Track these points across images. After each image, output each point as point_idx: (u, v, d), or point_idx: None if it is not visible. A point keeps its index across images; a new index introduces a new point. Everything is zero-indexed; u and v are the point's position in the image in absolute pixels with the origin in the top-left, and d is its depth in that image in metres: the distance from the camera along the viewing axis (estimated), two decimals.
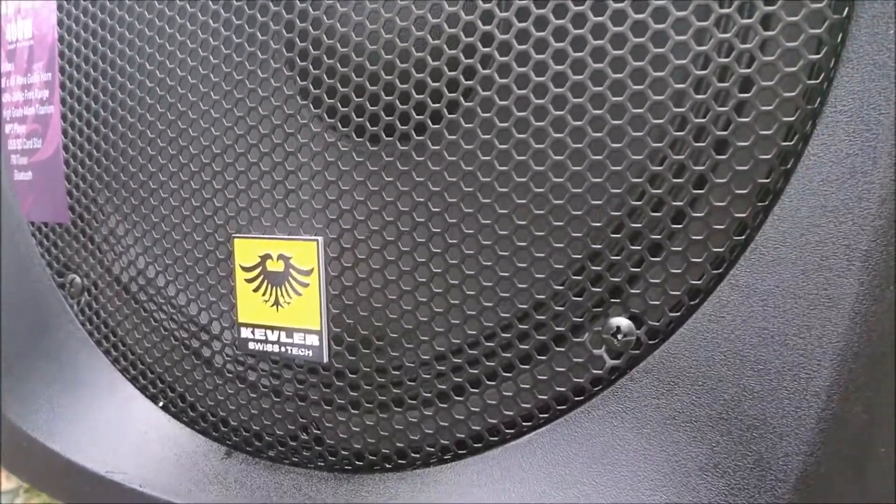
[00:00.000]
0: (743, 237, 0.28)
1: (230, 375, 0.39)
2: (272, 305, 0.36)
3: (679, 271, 0.29)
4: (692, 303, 0.29)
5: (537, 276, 0.31)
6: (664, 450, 0.29)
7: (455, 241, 0.32)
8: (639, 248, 0.29)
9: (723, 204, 0.28)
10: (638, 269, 0.29)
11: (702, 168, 0.28)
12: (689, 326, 0.29)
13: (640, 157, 0.28)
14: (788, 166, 0.27)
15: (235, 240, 0.37)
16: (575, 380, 0.31)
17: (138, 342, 0.42)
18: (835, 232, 0.26)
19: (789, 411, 0.27)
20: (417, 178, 0.32)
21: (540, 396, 0.32)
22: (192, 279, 0.39)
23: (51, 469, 0.43)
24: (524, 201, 0.30)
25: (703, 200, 0.28)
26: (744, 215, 0.28)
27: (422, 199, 0.32)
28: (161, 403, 0.42)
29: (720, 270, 0.28)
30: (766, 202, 0.28)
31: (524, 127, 0.30)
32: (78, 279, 0.45)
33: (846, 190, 0.26)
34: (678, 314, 0.29)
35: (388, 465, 0.35)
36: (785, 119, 0.26)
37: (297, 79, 0.35)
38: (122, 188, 0.41)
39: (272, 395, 0.38)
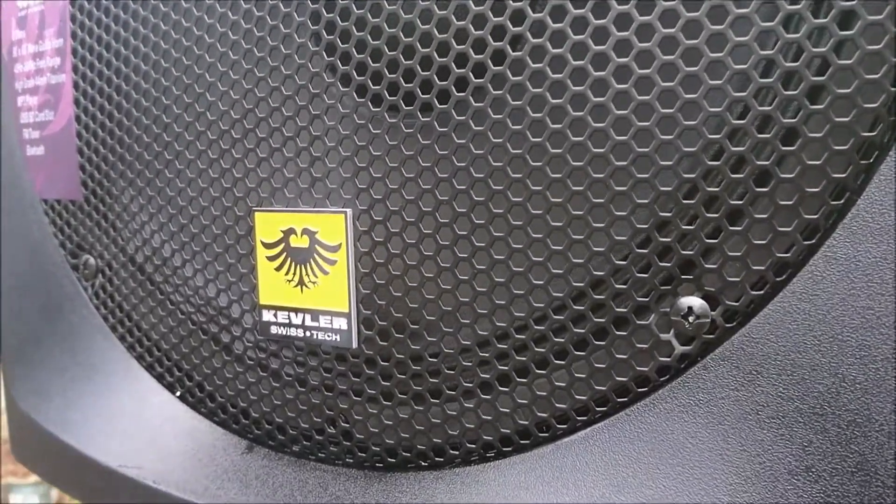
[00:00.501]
0: (841, 201, 0.24)
1: (251, 363, 0.36)
2: (296, 286, 0.33)
3: (763, 242, 0.25)
4: (778, 279, 0.25)
5: (595, 249, 0.27)
6: (745, 449, 0.25)
7: (500, 211, 0.28)
8: (715, 215, 0.25)
9: (817, 162, 0.24)
10: (714, 241, 0.25)
11: (792, 120, 0.24)
12: (774, 306, 0.25)
13: (719, 110, 0.24)
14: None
15: (256, 213, 0.34)
16: (638, 368, 0.27)
17: (154, 327, 0.39)
18: None
19: None
20: (458, 141, 0.29)
21: (597, 387, 0.28)
22: (210, 258, 0.36)
23: (62, 462, 0.40)
24: (580, 163, 0.27)
25: (792, 159, 0.24)
26: (843, 175, 0.24)
27: (462, 165, 0.29)
28: (178, 393, 0.39)
29: (813, 241, 0.24)
30: (871, 160, 0.23)
31: (581, 78, 0.26)
32: (92, 260, 0.42)
33: None
34: (761, 292, 0.25)
35: (423, 463, 0.32)
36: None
37: (323, 33, 0.31)
38: (137, 160, 0.38)
39: (296, 384, 0.35)
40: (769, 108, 0.24)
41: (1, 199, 0.47)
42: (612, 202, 0.26)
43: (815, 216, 0.24)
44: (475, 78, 0.28)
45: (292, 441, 0.35)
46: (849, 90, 0.23)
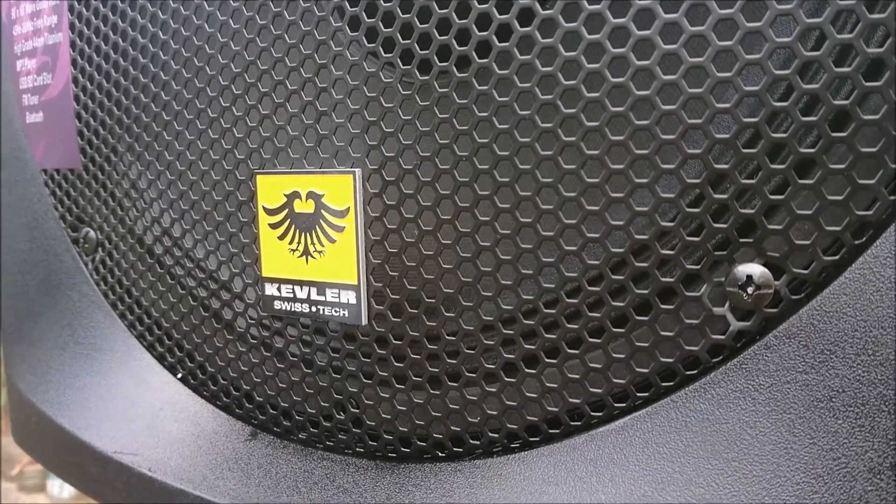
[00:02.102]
0: None
1: (254, 342, 0.33)
2: (301, 256, 0.30)
3: (839, 198, 0.21)
4: (857, 241, 0.21)
5: (637, 209, 0.23)
6: (815, 442, 0.21)
7: (527, 167, 0.25)
8: (782, 166, 0.21)
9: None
10: (779, 197, 0.22)
11: (879, 49, 0.20)
12: (852, 274, 0.21)
13: (788, 40, 0.21)
14: None
15: (258, 176, 0.31)
16: (687, 348, 0.24)
17: (155, 304, 0.37)
18: None
19: None
20: (479, 87, 0.25)
21: (638, 370, 0.24)
22: (211, 227, 0.33)
23: (58, 446, 0.37)
24: (620, 109, 0.23)
25: (876, 97, 0.20)
26: None
27: (484, 115, 0.25)
28: (179, 375, 0.36)
29: None
30: None
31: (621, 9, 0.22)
32: (92, 233, 0.39)
33: None
34: (836, 258, 0.21)
35: (441, 454, 0.29)
36: None
37: None
38: (135, 122, 0.35)
39: (302, 365, 0.31)
40: (849, 35, 0.20)
41: (1, 172, 0.44)
42: (657, 154, 0.23)
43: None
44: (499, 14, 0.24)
45: (298, 428, 0.32)
46: None
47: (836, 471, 0.21)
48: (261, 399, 0.33)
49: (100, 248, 0.39)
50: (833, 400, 0.21)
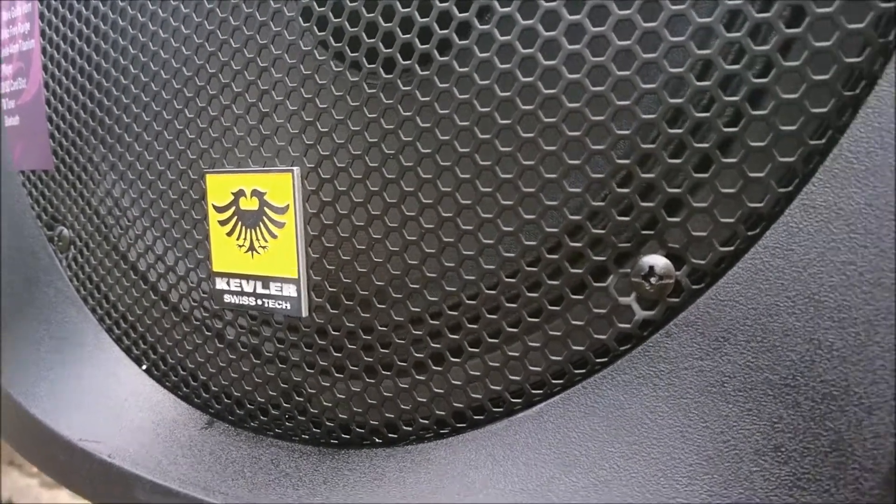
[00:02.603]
0: (822, 141, 0.21)
1: (209, 334, 0.34)
2: (247, 251, 0.31)
3: (733, 191, 0.22)
4: (751, 233, 0.22)
5: (547, 203, 0.24)
6: (709, 426, 0.22)
7: (448, 164, 0.26)
8: (678, 161, 0.22)
9: (794, 96, 0.21)
10: (678, 191, 0.22)
11: (766, 48, 0.21)
12: (745, 264, 0.22)
13: (682, 39, 0.21)
14: (890, 37, 0.20)
15: (207, 176, 0.32)
16: (596, 336, 0.24)
17: (121, 298, 0.38)
18: None
19: (882, 376, 0.19)
20: (403, 88, 0.26)
21: (553, 358, 0.25)
22: (168, 224, 0.35)
23: (33, 435, 0.39)
24: (530, 107, 0.24)
25: (767, 95, 0.21)
26: (824, 111, 0.20)
27: (408, 113, 0.26)
28: (144, 366, 0.38)
29: (789, 188, 0.21)
30: (857, 90, 0.20)
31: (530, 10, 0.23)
32: (66, 231, 0.41)
33: None
34: (731, 249, 0.22)
35: (378, 440, 0.30)
36: None
37: None
38: (99, 125, 0.37)
39: (252, 356, 0.33)
40: (739, 33, 0.21)
41: None
42: (564, 149, 0.24)
43: (792, 159, 0.21)
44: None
45: (250, 416, 0.33)
46: (830, 9, 0.20)
47: (725, 453, 0.22)
48: (216, 389, 0.34)
49: (72, 246, 0.41)
50: (725, 385, 0.22)
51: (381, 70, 0.27)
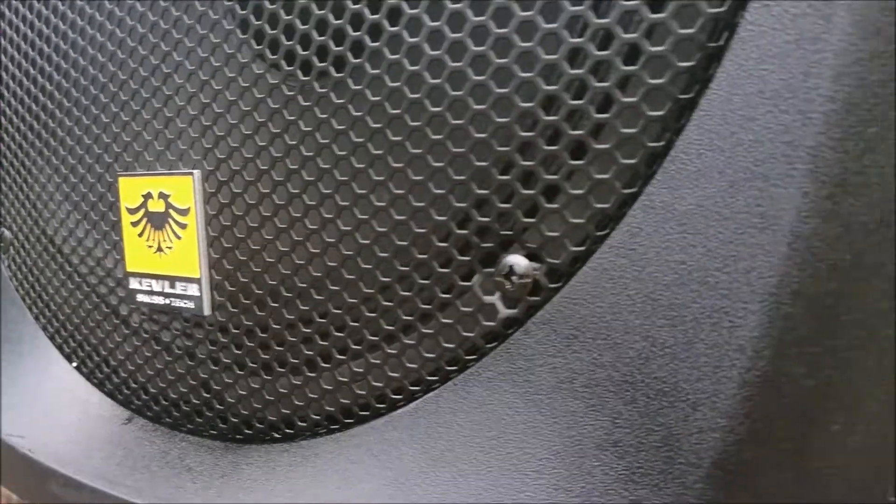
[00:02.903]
0: (661, 143, 0.21)
1: (128, 331, 0.35)
2: (156, 252, 0.32)
3: (581, 192, 0.22)
4: (600, 233, 0.22)
5: (415, 204, 0.25)
6: (557, 421, 0.23)
7: (327, 167, 0.26)
8: (531, 163, 0.23)
9: (633, 100, 0.21)
10: (531, 192, 0.23)
11: (604, 53, 0.21)
12: (593, 264, 0.22)
13: (529, 45, 0.22)
14: (720, 41, 0.20)
15: (120, 178, 0.33)
16: (465, 334, 0.25)
17: (53, 296, 0.39)
18: (773, 124, 0.19)
19: (706, 372, 0.20)
20: (287, 93, 0.27)
21: (427, 355, 0.26)
22: (90, 225, 0.36)
23: None
24: (397, 111, 0.24)
25: (611, 99, 0.21)
26: (660, 113, 0.21)
27: (293, 117, 0.27)
28: (75, 363, 0.39)
29: (634, 189, 0.22)
30: (692, 94, 0.21)
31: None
32: (7, 233, 0.42)
33: (790, 65, 0.19)
34: (583, 248, 0.23)
35: (276, 435, 0.30)
36: None
37: None
38: (29, 129, 0.38)
39: (165, 352, 0.34)
40: (580, 39, 0.21)
41: None
42: (430, 152, 0.24)
43: (634, 161, 0.21)
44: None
45: (166, 412, 0.34)
46: (663, 15, 0.20)
47: (570, 447, 0.22)
48: (136, 385, 0.35)
49: (12, 246, 0.42)
50: (573, 381, 0.23)
51: (283, 62, 0.27)
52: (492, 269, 0.24)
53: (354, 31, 0.25)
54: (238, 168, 0.29)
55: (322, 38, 0.26)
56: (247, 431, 0.31)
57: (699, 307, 0.20)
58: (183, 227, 0.31)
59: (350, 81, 0.25)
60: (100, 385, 0.37)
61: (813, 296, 0.19)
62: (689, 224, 0.21)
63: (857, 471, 0.20)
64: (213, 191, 0.30)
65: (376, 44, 0.25)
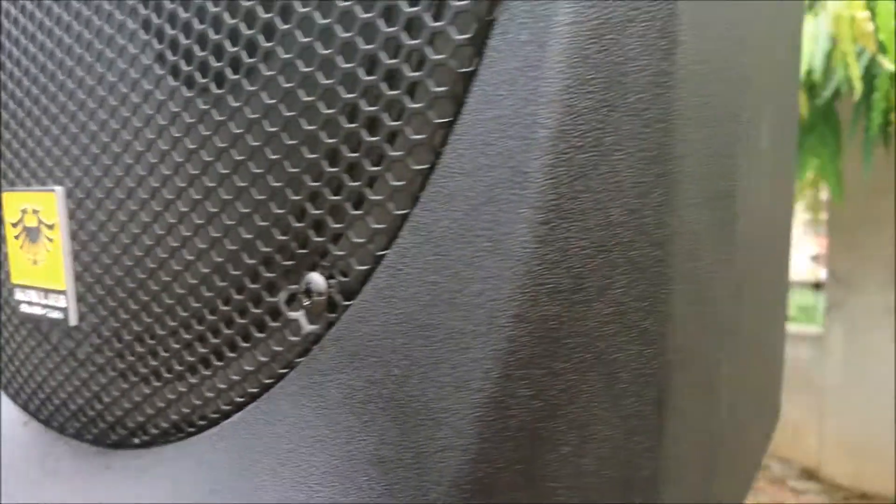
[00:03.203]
0: (427, 166, 0.21)
1: (24, 333, 0.37)
2: (33, 264, 0.34)
3: (360, 213, 0.23)
4: (380, 253, 0.23)
5: (227, 223, 0.26)
6: (338, 436, 0.23)
7: (157, 185, 0.28)
8: (317, 184, 0.23)
9: (398, 123, 0.21)
10: (320, 212, 0.24)
11: (371, 79, 0.22)
12: (372, 282, 0.23)
13: (331, 82, 0.23)
14: (472, 67, 0.20)
15: (3, 193, 0.34)
16: (275, 349, 0.26)
17: None
18: (503, 150, 0.19)
19: (449, 392, 0.20)
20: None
21: (246, 368, 0.27)
22: None
23: None
24: (210, 133, 0.25)
25: (379, 125, 0.22)
26: (423, 136, 0.21)
27: (139, 126, 0.28)
28: None
29: (405, 211, 0.22)
30: (450, 117, 0.21)
31: None
32: None
33: (516, 92, 0.19)
34: (367, 267, 0.23)
35: (137, 441, 0.32)
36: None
37: None
38: None
39: (50, 356, 0.35)
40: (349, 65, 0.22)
41: None
42: (236, 173, 0.25)
43: (403, 182, 0.22)
44: None
45: (52, 415, 0.36)
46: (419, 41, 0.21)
47: (346, 462, 0.23)
48: (31, 388, 0.37)
49: None
50: (354, 398, 0.23)
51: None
52: (296, 286, 0.25)
53: None
54: (92, 184, 0.30)
55: None
56: (114, 437, 0.33)
57: (446, 328, 0.21)
58: (51, 240, 0.32)
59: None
60: (5, 387, 0.39)
61: (535, 319, 0.19)
62: (442, 246, 0.21)
63: (592, 492, 0.20)
64: (76, 206, 0.31)
65: None
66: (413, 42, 0.21)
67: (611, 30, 0.18)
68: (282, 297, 0.25)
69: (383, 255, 0.23)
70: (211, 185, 0.26)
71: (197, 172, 0.26)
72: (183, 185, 0.27)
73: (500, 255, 0.19)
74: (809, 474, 2.80)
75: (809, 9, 1.43)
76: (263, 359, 0.26)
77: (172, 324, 0.29)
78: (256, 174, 0.25)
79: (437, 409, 0.20)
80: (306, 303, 0.25)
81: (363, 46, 0.21)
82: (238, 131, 0.25)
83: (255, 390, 0.27)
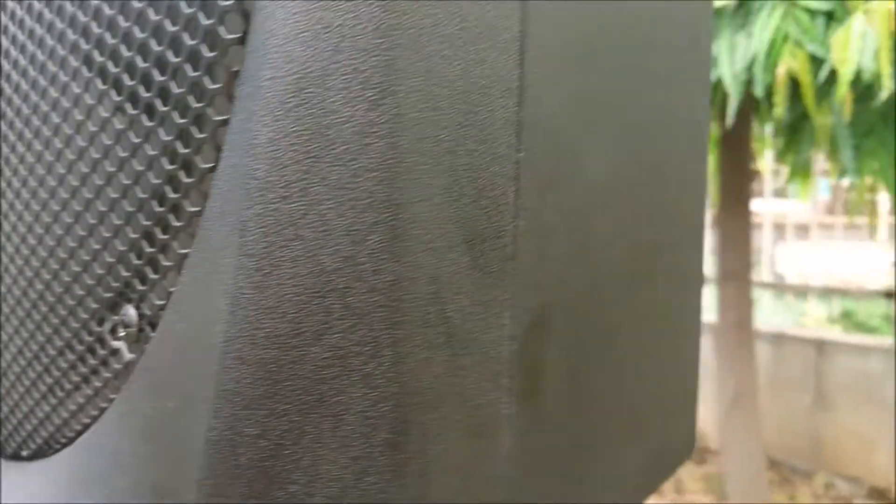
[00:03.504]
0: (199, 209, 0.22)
1: None
2: None
3: (153, 250, 0.24)
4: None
5: (62, 256, 0.27)
6: (138, 465, 0.24)
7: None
8: (121, 222, 0.25)
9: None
10: (126, 249, 0.25)
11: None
12: (164, 317, 0.24)
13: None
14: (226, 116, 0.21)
15: None
16: (105, 375, 0.27)
17: None
18: (233, 197, 0.20)
19: (195, 428, 0.21)
20: None
21: (87, 393, 0.28)
22: None
23: None
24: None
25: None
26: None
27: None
28: None
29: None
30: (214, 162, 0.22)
31: None
32: None
33: (242, 141, 0.20)
34: (164, 302, 0.24)
35: (23, 454, 0.34)
36: None
37: None
38: None
39: None
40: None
41: None
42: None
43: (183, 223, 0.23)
44: None
45: None
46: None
47: (134, 491, 0.24)
48: None
49: None
50: (150, 429, 0.24)
51: None
52: (117, 317, 0.26)
53: None
54: None
55: None
56: (6, 448, 0.35)
57: (197, 364, 0.21)
58: None
59: None
60: None
61: (255, 362, 0.19)
62: (200, 285, 0.22)
63: None
64: None
65: None
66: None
67: (309, 83, 0.18)
68: (106, 327, 0.27)
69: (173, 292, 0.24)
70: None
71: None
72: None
73: (226, 298, 0.20)
74: (880, 494, 2.65)
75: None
76: (98, 384, 0.28)
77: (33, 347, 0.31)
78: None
79: (190, 443, 0.21)
80: (121, 333, 0.26)
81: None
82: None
83: (95, 413, 0.29)
